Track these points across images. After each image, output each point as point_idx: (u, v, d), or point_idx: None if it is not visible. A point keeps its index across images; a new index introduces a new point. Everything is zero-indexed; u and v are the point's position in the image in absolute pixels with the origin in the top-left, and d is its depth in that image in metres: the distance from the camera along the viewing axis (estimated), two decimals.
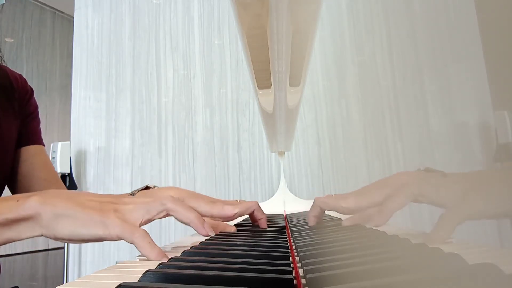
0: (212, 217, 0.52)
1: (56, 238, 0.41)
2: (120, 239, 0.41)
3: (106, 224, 0.41)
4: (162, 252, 0.40)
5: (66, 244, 1.94)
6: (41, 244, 5.48)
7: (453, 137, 0.25)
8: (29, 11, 5.63)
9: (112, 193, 1.90)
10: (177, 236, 1.81)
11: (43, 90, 5.70)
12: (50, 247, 5.54)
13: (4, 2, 0.69)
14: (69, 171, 2.04)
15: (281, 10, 0.34)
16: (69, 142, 2.02)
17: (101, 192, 1.93)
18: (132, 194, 0.62)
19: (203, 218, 0.47)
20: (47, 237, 0.41)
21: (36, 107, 0.80)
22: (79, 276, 1.88)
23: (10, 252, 5.00)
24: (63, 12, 6.13)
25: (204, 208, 0.51)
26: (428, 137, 0.30)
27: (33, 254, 5.37)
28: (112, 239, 0.41)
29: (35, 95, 0.82)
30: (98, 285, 0.28)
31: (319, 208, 0.69)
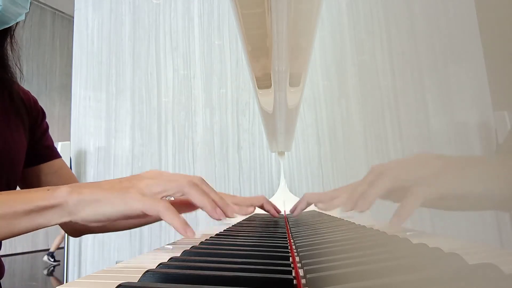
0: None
1: (84, 221, 0.45)
2: (143, 213, 0.44)
3: (126, 200, 0.44)
4: (185, 221, 0.43)
5: (66, 244, 1.94)
6: (41, 244, 5.48)
7: (453, 137, 0.25)
8: (29, 11, 5.63)
9: None
10: (177, 236, 1.80)
11: (43, 90, 5.70)
12: (50, 247, 5.54)
13: (24, 18, 0.69)
14: None
15: (281, 10, 0.34)
16: (69, 142, 2.02)
17: None
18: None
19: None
20: (75, 221, 0.45)
21: (48, 125, 0.85)
22: (79, 276, 1.88)
23: (10, 252, 4.99)
24: (63, 12, 6.13)
25: (215, 197, 0.53)
26: (428, 137, 0.30)
27: (33, 254, 5.37)
28: (135, 214, 0.44)
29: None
30: (98, 285, 0.28)
31: (306, 203, 0.77)
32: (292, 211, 0.81)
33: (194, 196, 0.48)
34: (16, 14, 0.67)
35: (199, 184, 0.51)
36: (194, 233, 0.42)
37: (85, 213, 0.44)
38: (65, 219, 0.45)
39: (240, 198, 0.80)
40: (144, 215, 0.44)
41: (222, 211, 0.50)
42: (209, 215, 0.48)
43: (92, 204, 0.44)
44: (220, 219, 0.48)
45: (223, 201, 0.51)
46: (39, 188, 0.48)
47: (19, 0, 0.67)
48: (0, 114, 0.71)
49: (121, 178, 0.49)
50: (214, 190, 0.52)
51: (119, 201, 0.44)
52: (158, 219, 0.47)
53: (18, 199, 0.44)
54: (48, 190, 0.45)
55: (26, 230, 0.45)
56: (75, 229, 0.81)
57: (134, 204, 0.43)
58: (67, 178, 0.83)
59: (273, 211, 0.79)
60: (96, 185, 0.46)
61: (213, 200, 0.50)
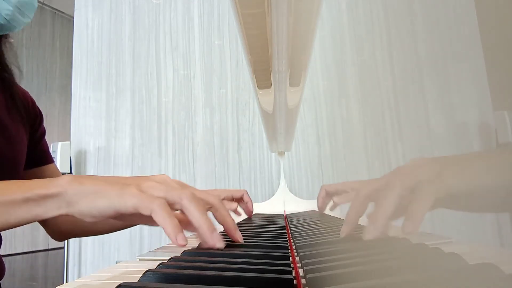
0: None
1: (81, 214, 0.42)
2: (136, 211, 0.40)
3: (123, 195, 0.41)
4: (179, 226, 0.38)
5: (66, 244, 1.94)
6: (41, 244, 5.48)
7: (453, 137, 0.25)
8: None
9: None
10: None
11: (43, 90, 5.69)
12: (50, 247, 5.54)
13: (30, 20, 0.70)
14: (69, 171, 2.03)
15: (281, 10, 0.34)
16: (69, 142, 2.02)
17: None
18: None
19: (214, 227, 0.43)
20: (72, 214, 0.42)
21: (45, 130, 0.85)
22: (79, 276, 1.88)
23: (10, 252, 4.99)
24: (63, 12, 6.13)
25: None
26: (428, 137, 0.30)
27: (33, 254, 5.37)
28: (127, 211, 0.41)
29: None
30: (98, 285, 0.29)
31: (324, 191, 0.79)
32: (319, 207, 0.84)
33: (193, 213, 0.42)
34: (21, 23, 0.69)
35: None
36: (186, 242, 0.37)
37: (82, 205, 0.42)
38: (63, 210, 0.42)
39: (221, 191, 0.84)
40: (138, 215, 0.41)
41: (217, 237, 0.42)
42: (203, 238, 0.41)
43: (90, 195, 0.42)
44: (216, 247, 0.40)
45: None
46: (39, 179, 0.46)
47: (27, 12, 0.69)
48: (4, 114, 0.71)
49: (129, 176, 0.47)
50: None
51: (116, 194, 0.41)
52: (149, 221, 0.42)
53: (17, 187, 0.43)
54: (49, 180, 0.44)
55: (22, 221, 0.43)
56: (61, 232, 0.81)
57: (128, 200, 0.40)
58: None
59: (249, 205, 0.84)
60: (101, 178, 0.45)
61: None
